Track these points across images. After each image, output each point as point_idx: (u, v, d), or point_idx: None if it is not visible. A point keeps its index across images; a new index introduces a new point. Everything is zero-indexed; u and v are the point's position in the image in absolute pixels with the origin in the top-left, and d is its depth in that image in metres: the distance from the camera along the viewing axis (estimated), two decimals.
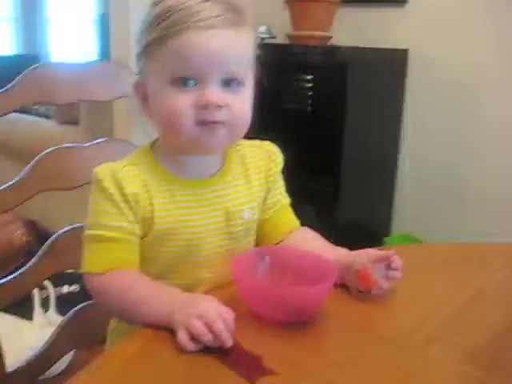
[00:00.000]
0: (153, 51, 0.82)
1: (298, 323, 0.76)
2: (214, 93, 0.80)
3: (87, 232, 0.85)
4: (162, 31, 0.80)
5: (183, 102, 0.80)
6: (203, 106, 0.80)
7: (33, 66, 1.05)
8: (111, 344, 0.97)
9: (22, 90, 1.02)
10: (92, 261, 0.84)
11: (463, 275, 0.97)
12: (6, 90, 1.00)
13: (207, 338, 0.68)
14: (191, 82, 0.81)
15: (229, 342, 0.69)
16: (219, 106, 0.80)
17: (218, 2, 0.81)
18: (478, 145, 2.33)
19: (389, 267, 0.85)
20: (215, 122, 0.81)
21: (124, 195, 0.83)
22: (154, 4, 0.83)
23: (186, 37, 0.78)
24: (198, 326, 0.68)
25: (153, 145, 0.92)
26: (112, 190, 0.83)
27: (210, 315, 0.69)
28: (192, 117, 0.81)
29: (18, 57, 5.54)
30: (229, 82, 0.82)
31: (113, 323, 0.97)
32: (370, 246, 0.91)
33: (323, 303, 0.79)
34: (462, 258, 1.04)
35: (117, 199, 0.83)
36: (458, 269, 1.00)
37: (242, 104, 0.84)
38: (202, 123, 0.81)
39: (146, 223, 0.85)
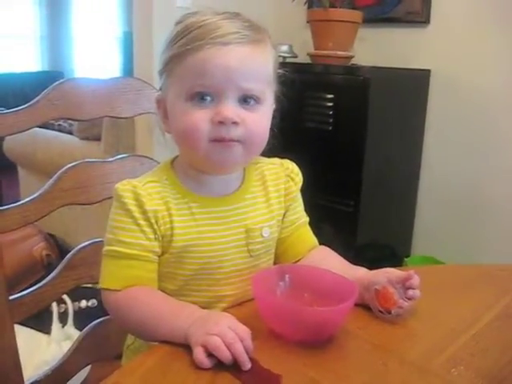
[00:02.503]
0: (172, 68, 0.84)
1: (317, 342, 0.75)
2: (230, 109, 0.80)
3: (106, 248, 0.85)
4: (180, 48, 0.81)
5: (199, 118, 0.81)
6: (219, 122, 0.80)
7: (57, 82, 1.06)
8: (127, 360, 0.96)
9: (46, 105, 1.03)
10: (109, 277, 0.84)
11: (486, 297, 0.95)
12: (30, 105, 1.01)
13: (226, 354, 0.67)
14: (208, 98, 0.81)
15: (247, 365, 0.68)
16: (235, 123, 0.81)
17: (237, 20, 0.82)
18: (499, 166, 2.31)
19: (407, 286, 0.85)
20: (231, 140, 0.81)
21: (144, 212, 0.83)
22: (177, 23, 0.85)
23: (202, 53, 0.79)
24: (218, 344, 0.68)
25: (173, 161, 0.92)
26: (132, 206, 0.83)
27: (229, 336, 0.68)
28: (207, 133, 0.81)
29: (43, 73, 5.66)
30: (246, 99, 0.82)
31: (129, 340, 0.97)
32: (389, 267, 0.90)
33: (343, 322, 0.78)
34: (485, 280, 1.03)
35: (136, 216, 0.83)
36: (480, 290, 0.98)
37: (258, 121, 0.84)
38: (218, 140, 0.81)
39: (166, 240, 0.85)
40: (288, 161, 0.99)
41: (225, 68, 0.79)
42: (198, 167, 0.87)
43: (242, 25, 0.81)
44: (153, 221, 0.83)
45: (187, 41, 0.80)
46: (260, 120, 0.84)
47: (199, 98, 0.81)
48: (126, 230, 0.83)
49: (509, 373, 0.73)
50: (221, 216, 0.88)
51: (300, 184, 0.98)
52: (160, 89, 0.90)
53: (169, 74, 0.85)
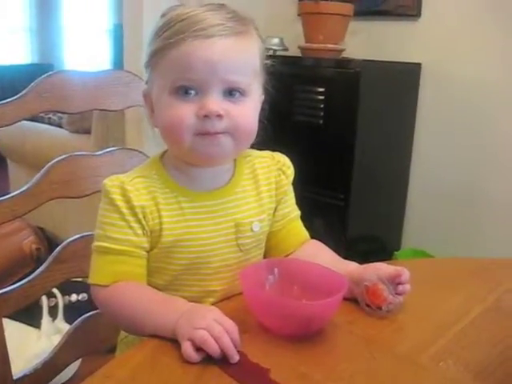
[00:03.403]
0: (156, 61, 0.83)
1: (306, 336, 0.75)
2: (214, 102, 0.80)
3: (95, 243, 0.85)
4: (163, 41, 0.81)
5: (184, 112, 0.80)
6: (204, 116, 0.79)
7: (45, 74, 1.05)
8: (120, 353, 0.96)
9: (35, 98, 1.02)
10: (98, 273, 0.84)
11: (476, 290, 0.96)
12: (18, 98, 1.01)
13: (214, 347, 0.67)
14: (192, 92, 0.80)
15: (235, 358, 0.68)
16: (220, 116, 0.80)
17: (221, 12, 0.81)
18: (490, 158, 2.32)
19: (397, 282, 0.85)
20: (216, 133, 0.81)
21: (131, 208, 0.83)
22: (162, 15, 0.85)
23: (185, 46, 0.79)
24: (206, 337, 0.68)
25: (162, 156, 0.92)
26: (119, 202, 0.83)
27: (216, 330, 0.69)
28: (192, 127, 0.80)
29: (32, 66, 5.61)
30: (231, 92, 0.82)
31: (122, 333, 0.96)
32: (380, 261, 0.90)
33: (332, 316, 0.78)
34: (475, 273, 1.03)
35: (124, 212, 0.83)
36: (470, 284, 0.99)
37: (244, 114, 0.83)
38: (203, 133, 0.81)
39: (154, 235, 0.85)
40: (279, 154, 0.98)
41: (208, 61, 0.78)
42: (186, 160, 0.87)
43: (225, 17, 0.80)
44: (140, 216, 0.83)
45: (170, 34, 0.80)
46: (246, 112, 0.83)
47: (183, 91, 0.80)
48: (114, 226, 0.83)
49: (498, 366, 0.73)
50: (210, 210, 0.88)
51: (292, 177, 0.97)
52: (146, 82, 0.89)
53: (153, 68, 0.85)
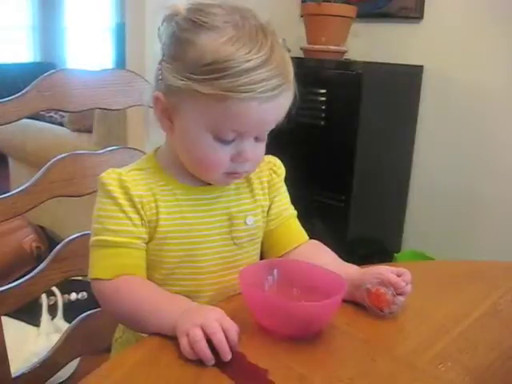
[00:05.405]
0: (204, 99, 0.78)
1: (305, 337, 0.75)
2: (251, 150, 0.83)
3: (93, 238, 0.84)
4: (222, 89, 0.76)
5: (221, 156, 0.83)
6: (239, 162, 0.83)
7: (47, 73, 1.05)
8: (115, 353, 0.96)
9: (36, 96, 1.02)
10: (99, 267, 0.84)
11: (475, 293, 0.96)
12: (19, 96, 1.01)
13: (201, 344, 0.67)
14: (233, 138, 0.82)
15: (227, 356, 0.68)
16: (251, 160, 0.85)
17: (275, 64, 0.80)
18: (490, 162, 2.32)
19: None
20: (242, 173, 0.87)
21: (129, 198, 0.83)
22: (192, 13, 0.84)
23: (247, 105, 0.77)
24: (197, 333, 0.68)
25: (155, 153, 0.92)
26: (117, 193, 0.83)
27: (213, 326, 0.69)
28: (224, 167, 0.84)
29: (34, 64, 5.61)
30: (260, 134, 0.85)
31: (117, 333, 0.96)
32: (380, 262, 0.90)
33: (331, 318, 0.78)
34: (474, 276, 1.03)
35: (122, 203, 0.83)
36: (470, 286, 0.99)
37: (262, 152, 0.88)
38: (231, 173, 0.85)
39: (152, 226, 0.85)
40: (270, 156, 0.99)
41: (262, 120, 0.81)
42: (197, 175, 0.88)
43: (280, 74, 0.80)
44: (139, 206, 0.84)
45: (231, 85, 0.75)
46: (263, 150, 0.88)
47: (226, 137, 0.81)
48: (113, 218, 0.83)
49: (496, 369, 0.73)
50: (205, 203, 0.89)
51: (283, 176, 0.99)
52: (164, 89, 0.83)
53: (193, 96, 0.79)
